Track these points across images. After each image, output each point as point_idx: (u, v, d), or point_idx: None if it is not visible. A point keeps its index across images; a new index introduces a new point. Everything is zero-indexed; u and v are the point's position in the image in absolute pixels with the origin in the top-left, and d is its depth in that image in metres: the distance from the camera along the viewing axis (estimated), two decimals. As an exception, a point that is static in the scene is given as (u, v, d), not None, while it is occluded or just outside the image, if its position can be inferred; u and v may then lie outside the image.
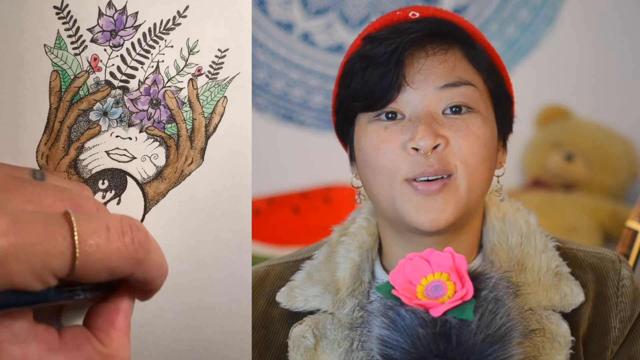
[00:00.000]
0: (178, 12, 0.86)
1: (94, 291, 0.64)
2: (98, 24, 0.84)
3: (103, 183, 0.86)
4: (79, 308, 0.70)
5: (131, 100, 0.86)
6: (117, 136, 0.86)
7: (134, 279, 0.64)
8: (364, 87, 0.90)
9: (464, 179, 0.89)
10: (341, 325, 0.93)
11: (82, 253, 0.58)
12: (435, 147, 0.88)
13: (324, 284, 0.96)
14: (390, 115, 0.91)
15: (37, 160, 0.84)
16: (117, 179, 0.87)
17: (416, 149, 0.88)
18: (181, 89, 0.87)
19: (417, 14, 0.92)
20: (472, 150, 0.89)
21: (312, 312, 0.95)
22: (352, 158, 0.97)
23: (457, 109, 0.90)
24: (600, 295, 0.94)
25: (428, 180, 0.89)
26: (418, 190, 0.89)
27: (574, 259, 0.96)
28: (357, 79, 0.91)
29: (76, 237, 0.58)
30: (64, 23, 0.83)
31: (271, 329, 0.96)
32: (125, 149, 0.87)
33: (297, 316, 0.96)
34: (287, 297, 0.96)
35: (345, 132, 0.98)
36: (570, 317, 0.91)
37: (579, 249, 0.98)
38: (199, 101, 0.88)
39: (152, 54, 0.86)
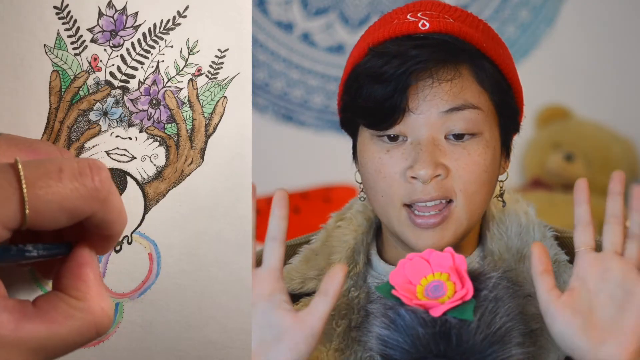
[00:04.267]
0: (178, 12, 0.86)
1: (49, 250, 0.62)
2: (98, 24, 0.84)
3: (103, 183, 0.86)
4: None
5: (131, 100, 0.86)
6: (117, 136, 0.86)
7: (92, 223, 0.61)
8: (368, 105, 0.90)
9: (463, 206, 0.89)
10: (337, 305, 0.94)
11: (31, 197, 0.56)
12: (435, 177, 0.88)
13: (320, 268, 0.97)
14: (392, 136, 0.90)
15: (37, 160, 0.84)
16: (117, 179, 0.87)
17: (415, 178, 0.88)
18: (181, 89, 0.87)
19: (427, 25, 0.90)
20: (472, 178, 0.89)
21: (308, 294, 0.96)
22: (355, 156, 0.98)
23: (459, 134, 0.89)
24: None
25: (426, 208, 0.89)
26: (417, 223, 0.89)
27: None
28: (362, 94, 0.90)
29: (23, 182, 0.56)
30: (64, 23, 0.83)
31: None
32: (125, 149, 0.87)
33: (293, 298, 0.96)
34: (285, 279, 0.97)
35: (350, 130, 0.98)
36: None
37: None
38: (199, 101, 0.88)
39: (152, 54, 0.86)
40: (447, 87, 0.88)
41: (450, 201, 0.89)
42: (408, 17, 0.92)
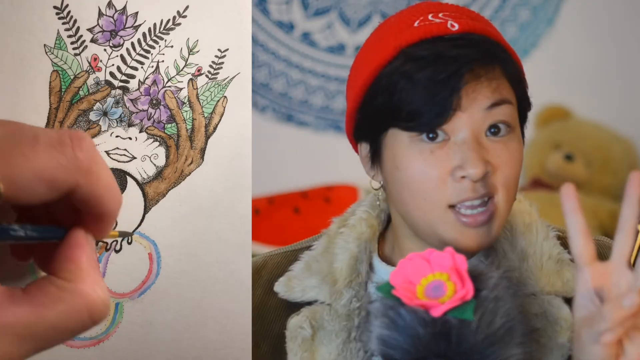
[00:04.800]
0: (178, 12, 0.86)
1: (40, 232, 0.58)
2: (98, 24, 0.84)
3: (103, 183, 0.86)
4: None
5: (131, 100, 0.86)
6: (117, 136, 0.86)
7: (79, 198, 0.57)
8: (410, 108, 0.89)
9: (504, 202, 0.90)
10: (338, 316, 0.93)
11: (2, 167, 0.52)
12: (484, 175, 0.88)
13: (322, 275, 0.96)
14: (431, 135, 0.89)
15: (37, 160, 0.84)
16: (117, 179, 0.87)
17: (464, 177, 0.88)
18: (181, 89, 0.87)
19: (456, 25, 0.90)
20: (512, 173, 0.90)
21: (309, 303, 0.95)
22: (375, 161, 0.96)
23: (496, 130, 0.90)
24: None
25: (472, 206, 0.89)
26: (464, 222, 0.89)
27: None
28: (400, 97, 0.89)
29: None
30: (64, 23, 0.83)
31: (267, 318, 0.96)
32: (125, 149, 0.87)
33: (294, 306, 0.96)
34: (285, 287, 0.96)
35: (367, 137, 0.96)
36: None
37: None
38: (199, 101, 0.88)
39: (152, 54, 0.86)
40: (487, 84, 0.89)
41: (491, 197, 0.89)
42: (430, 18, 0.92)
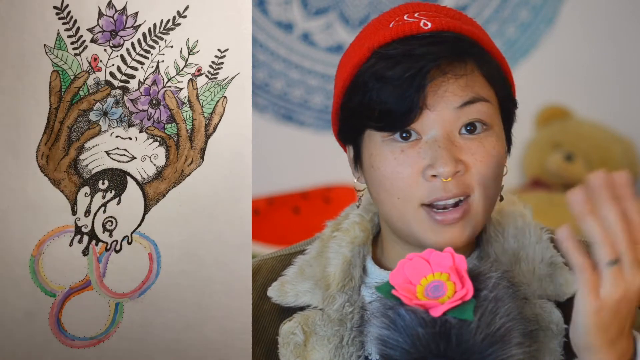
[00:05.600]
0: (178, 12, 0.86)
1: None
2: (98, 24, 0.84)
3: (103, 183, 0.86)
4: None
5: (131, 100, 0.86)
6: (117, 136, 0.86)
7: None
8: (380, 108, 0.89)
9: (480, 200, 0.89)
10: (331, 321, 0.93)
11: None
12: (455, 173, 0.88)
13: (315, 280, 0.96)
14: (404, 135, 0.90)
15: (37, 160, 0.84)
16: (117, 179, 0.87)
17: (435, 176, 0.88)
18: (181, 89, 0.88)
19: (429, 24, 0.90)
20: (488, 171, 0.89)
21: (302, 308, 0.95)
22: (357, 163, 0.96)
23: (472, 128, 0.89)
24: None
25: (445, 207, 0.88)
26: (436, 220, 0.89)
27: None
28: (371, 97, 0.89)
29: None
30: (64, 23, 0.83)
31: (261, 323, 0.96)
32: (125, 149, 0.87)
33: (287, 311, 0.95)
34: (279, 292, 0.96)
35: (349, 138, 0.97)
36: (565, 306, 0.91)
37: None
38: (199, 101, 0.88)
39: (152, 54, 0.86)
40: (457, 82, 0.88)
41: (467, 196, 0.89)
42: (405, 18, 0.92)
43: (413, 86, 0.88)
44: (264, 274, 1.00)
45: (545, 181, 2.42)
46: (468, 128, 0.90)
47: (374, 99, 0.89)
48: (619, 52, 2.50)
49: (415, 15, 0.92)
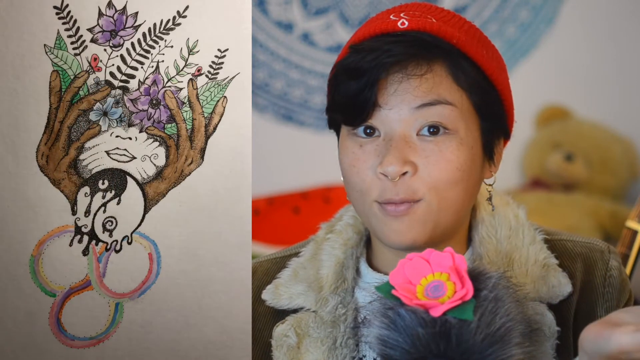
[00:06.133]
0: (178, 12, 0.86)
1: None
2: (98, 24, 0.84)
3: (103, 183, 0.86)
4: None
5: (131, 100, 0.86)
6: (117, 136, 0.86)
7: None
8: (343, 101, 0.90)
9: (433, 202, 0.89)
10: (324, 323, 0.93)
11: None
12: (402, 174, 0.88)
13: (308, 282, 0.96)
14: (368, 131, 0.90)
15: (37, 160, 0.84)
16: (117, 179, 0.87)
17: (382, 174, 0.88)
18: (181, 89, 0.88)
19: (407, 24, 0.90)
20: (442, 175, 0.88)
21: (296, 311, 0.95)
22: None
23: (434, 130, 0.89)
24: (588, 284, 0.94)
25: (396, 206, 0.89)
26: (387, 211, 0.89)
27: (563, 249, 0.96)
28: (338, 91, 0.90)
29: None
30: (64, 23, 0.83)
31: (256, 325, 0.96)
32: (125, 149, 0.87)
33: (282, 314, 0.95)
34: (273, 295, 0.96)
35: (336, 130, 0.98)
36: (558, 308, 0.91)
37: (569, 239, 0.98)
38: (199, 101, 0.88)
39: (152, 54, 0.86)
40: (418, 83, 0.88)
41: (417, 201, 0.89)
42: (391, 17, 0.92)
43: (369, 81, 0.88)
44: (259, 277, 1.00)
45: (545, 181, 2.42)
46: (431, 130, 0.89)
47: (341, 92, 0.91)
48: (619, 52, 2.50)
49: (401, 14, 0.92)
